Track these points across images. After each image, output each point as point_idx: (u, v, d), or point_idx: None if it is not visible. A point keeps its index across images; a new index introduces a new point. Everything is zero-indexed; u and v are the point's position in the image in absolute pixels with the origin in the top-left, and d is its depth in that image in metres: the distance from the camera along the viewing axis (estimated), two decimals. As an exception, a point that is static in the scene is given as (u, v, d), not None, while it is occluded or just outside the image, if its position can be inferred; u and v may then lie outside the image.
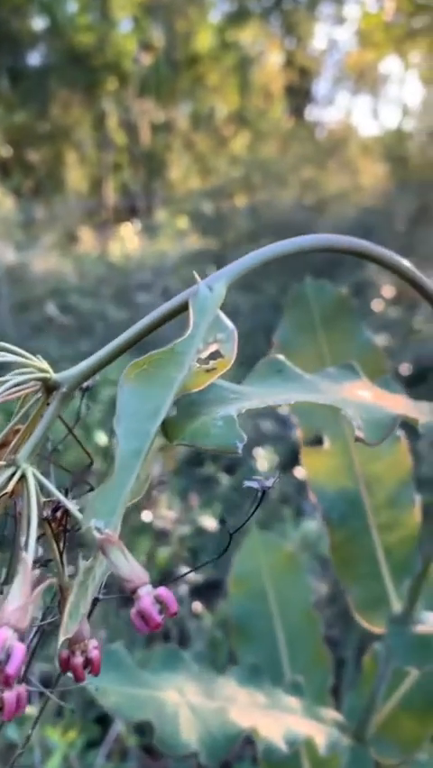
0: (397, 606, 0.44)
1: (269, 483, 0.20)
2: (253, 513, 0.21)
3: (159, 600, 0.19)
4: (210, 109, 6.80)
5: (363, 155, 5.68)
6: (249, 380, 0.26)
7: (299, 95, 7.60)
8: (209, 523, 1.34)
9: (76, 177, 6.20)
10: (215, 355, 0.23)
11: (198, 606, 1.19)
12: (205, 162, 6.37)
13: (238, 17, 6.63)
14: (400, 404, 0.30)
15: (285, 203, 4.98)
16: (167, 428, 0.21)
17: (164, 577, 1.28)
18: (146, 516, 1.08)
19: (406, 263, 0.28)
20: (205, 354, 0.22)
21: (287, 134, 6.28)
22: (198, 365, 0.22)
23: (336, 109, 7.72)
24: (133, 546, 1.12)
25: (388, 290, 2.93)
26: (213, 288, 0.23)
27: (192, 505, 1.22)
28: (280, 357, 0.27)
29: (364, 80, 7.27)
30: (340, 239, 0.26)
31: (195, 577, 1.23)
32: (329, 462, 0.45)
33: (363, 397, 0.28)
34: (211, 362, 0.23)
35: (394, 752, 0.49)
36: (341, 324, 0.48)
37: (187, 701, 0.39)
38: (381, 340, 2.82)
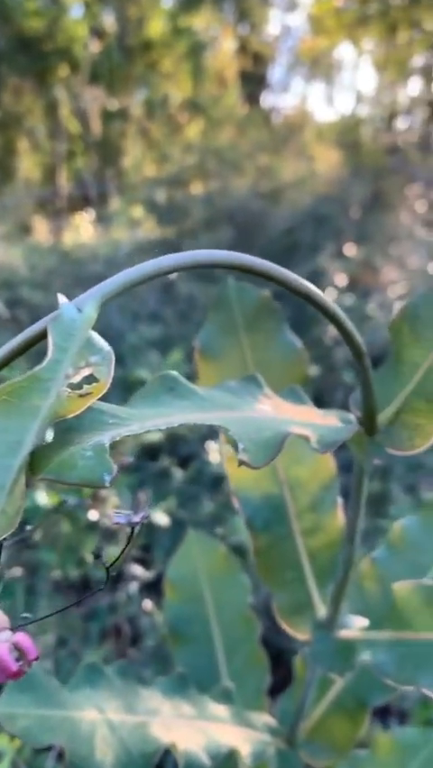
0: (322, 611, 0.44)
1: (137, 519, 0.19)
2: (127, 548, 0.20)
3: (17, 647, 0.18)
4: (164, 96, 6.73)
5: (319, 141, 5.69)
6: (138, 399, 0.25)
7: (253, 81, 7.57)
8: (161, 518, 1.33)
9: (28, 165, 6.09)
10: (90, 379, 0.22)
11: (148, 604, 1.18)
12: (159, 150, 6.31)
13: (190, 3, 6.57)
14: (304, 415, 0.30)
15: (241, 190, 4.96)
16: (32, 460, 0.20)
17: (115, 577, 1.27)
18: (93, 515, 1.07)
19: (281, 270, 0.28)
20: (77, 378, 0.21)
21: (242, 121, 6.26)
22: (69, 390, 0.21)
23: (292, 95, 7.71)
24: (80, 546, 1.11)
25: (341, 278, 2.94)
26: (82, 309, 0.21)
27: (141, 501, 1.20)
28: (173, 374, 0.26)
29: (318, 66, 7.28)
30: (199, 255, 0.25)
31: (146, 574, 1.22)
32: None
33: (262, 411, 0.27)
34: (86, 387, 0.21)
35: (325, 754, 0.49)
36: (264, 326, 0.47)
37: (105, 719, 0.38)
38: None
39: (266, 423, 0.25)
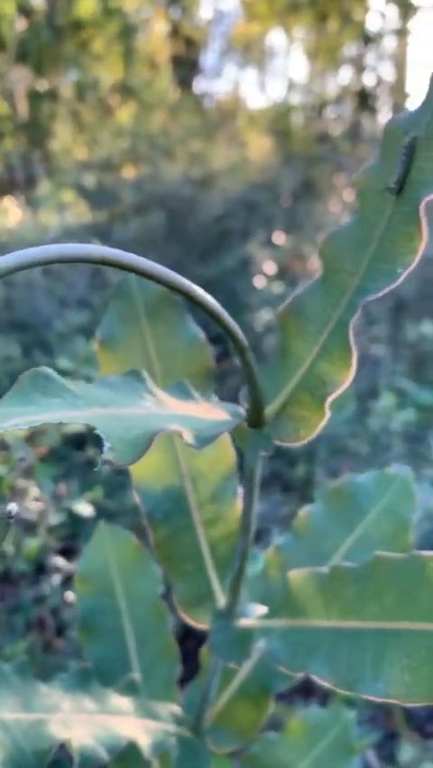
0: (222, 601, 0.44)
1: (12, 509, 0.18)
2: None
3: None
4: (95, 78, 6.61)
5: (251, 128, 5.70)
6: (8, 397, 0.25)
7: (185, 66, 7.51)
8: (85, 509, 1.32)
9: None
10: None
11: (70, 595, 1.17)
12: (90, 133, 6.20)
13: (121, -18, 6.44)
14: (187, 410, 0.30)
15: (172, 176, 4.93)
16: None
17: (38, 568, 1.25)
18: (12, 507, 1.05)
19: (161, 269, 0.27)
20: None
21: (174, 106, 6.20)
22: None
23: (224, 81, 7.68)
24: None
25: (270, 267, 2.96)
26: None
27: (62, 493, 1.19)
28: (46, 370, 0.26)
29: (251, 53, 7.27)
30: (66, 249, 0.24)
31: (68, 566, 1.21)
32: (153, 459, 0.44)
33: (142, 408, 0.27)
34: None
35: (230, 740, 0.50)
36: (166, 316, 0.46)
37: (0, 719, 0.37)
38: (265, 315, 2.86)
39: (138, 420, 0.25)
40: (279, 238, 3.27)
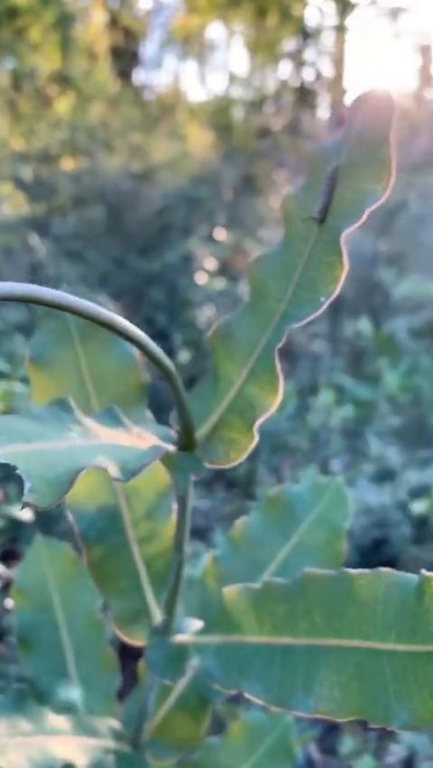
0: (158, 617, 0.44)
1: None
2: None
3: None
4: (32, 68, 6.47)
5: (191, 121, 5.68)
6: None
7: (124, 57, 7.42)
8: (25, 514, 1.30)
9: None
10: None
11: (10, 602, 1.16)
12: (27, 124, 6.07)
13: (58, -30, 6.32)
14: (116, 438, 0.30)
15: (112, 169, 4.87)
16: None
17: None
18: None
19: (77, 301, 0.27)
20: None
21: (113, 98, 6.13)
22: None
23: (164, 73, 7.63)
24: None
25: (211, 262, 2.96)
26: None
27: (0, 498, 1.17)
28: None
29: (191, 45, 7.24)
30: None
31: (8, 572, 1.19)
32: (86, 478, 0.44)
33: (68, 440, 0.27)
34: None
35: (169, 752, 0.50)
36: (98, 334, 0.46)
37: None
38: (208, 312, 2.86)
39: (62, 456, 0.25)
40: (220, 233, 3.27)
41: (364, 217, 0.28)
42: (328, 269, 0.29)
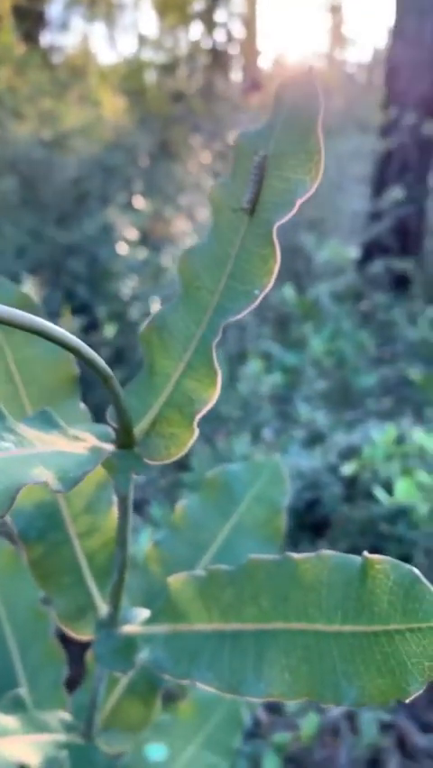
0: (104, 610, 0.44)
1: None
2: None
3: None
4: None
5: (103, 86, 5.53)
6: None
7: (29, 18, 7.12)
8: None
9: None
10: None
11: None
12: None
13: None
14: (52, 444, 0.29)
15: (22, 137, 4.70)
16: None
17: None
18: None
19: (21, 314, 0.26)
20: None
21: (20, 61, 5.88)
22: None
23: (72, 35, 7.36)
24: None
25: (132, 232, 2.92)
26: None
27: None
28: None
29: (98, 6, 7.01)
30: None
31: None
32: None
33: (3, 452, 0.26)
34: None
35: (121, 739, 0.51)
36: (24, 325, 0.44)
37: None
38: (131, 283, 2.82)
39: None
40: (139, 202, 3.22)
41: (296, 208, 0.27)
42: (261, 261, 0.29)
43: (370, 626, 0.31)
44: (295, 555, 0.34)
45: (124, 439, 0.32)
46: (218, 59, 5.91)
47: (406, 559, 1.57)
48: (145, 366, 0.34)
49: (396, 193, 2.77)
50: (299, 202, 0.28)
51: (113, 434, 0.33)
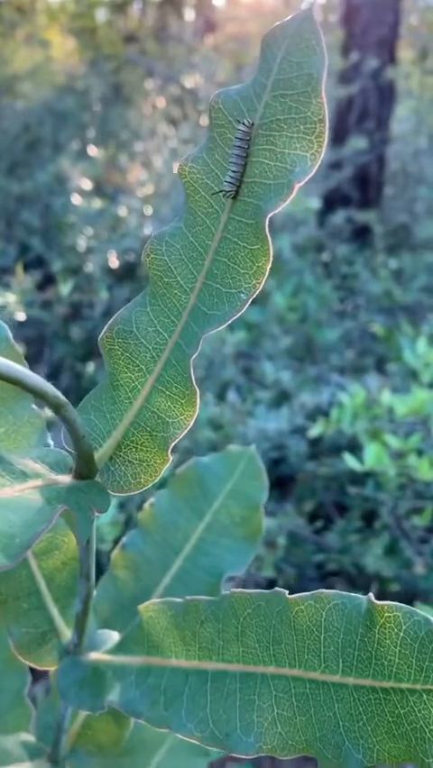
0: (67, 635, 0.39)
1: None
2: None
3: None
4: None
5: (52, 26, 5.24)
6: None
7: None
8: None
9: None
10: None
11: None
12: None
13: None
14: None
15: (-33, 81, 4.46)
16: None
17: None
18: None
19: None
20: None
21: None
22: None
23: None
24: None
25: (85, 182, 2.79)
26: None
27: None
28: None
29: None
30: None
31: None
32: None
33: None
34: None
35: (92, 761, 0.47)
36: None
37: None
38: (86, 235, 2.71)
39: None
40: (93, 150, 3.07)
41: (294, 193, 0.22)
42: (249, 258, 0.23)
43: (378, 681, 0.26)
44: (287, 594, 0.29)
45: (84, 468, 0.27)
46: (171, -4, 5.64)
47: (371, 516, 1.55)
48: (107, 375, 0.28)
49: (358, 142, 2.70)
50: (297, 185, 0.22)
51: (70, 461, 0.28)
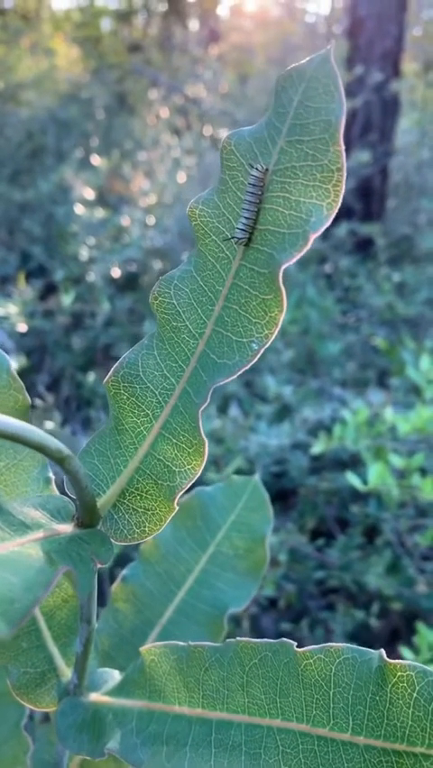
0: (67, 675, 0.38)
1: None
2: None
3: None
4: None
5: (57, 34, 5.26)
6: None
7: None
8: None
9: None
10: None
11: None
12: None
13: None
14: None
15: (-28, 88, 4.47)
16: None
17: None
18: None
19: None
20: None
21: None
22: None
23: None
24: None
25: (89, 191, 2.79)
26: None
27: None
28: None
29: None
30: None
31: None
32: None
33: None
34: None
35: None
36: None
37: None
38: (89, 244, 2.71)
39: None
40: (96, 159, 3.08)
41: (309, 244, 0.21)
42: (261, 307, 0.23)
43: (390, 742, 0.25)
44: (295, 646, 0.29)
45: (86, 517, 0.26)
46: (175, 5, 5.66)
47: (373, 532, 1.54)
48: (112, 419, 0.27)
49: (361, 155, 2.70)
50: (312, 236, 0.21)
51: (72, 508, 0.27)
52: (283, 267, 0.22)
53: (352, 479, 1.10)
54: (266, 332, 0.23)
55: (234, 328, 0.24)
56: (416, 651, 1.10)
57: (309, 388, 1.98)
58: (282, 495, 1.79)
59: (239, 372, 0.23)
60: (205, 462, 0.25)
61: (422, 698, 0.25)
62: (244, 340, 0.23)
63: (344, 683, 0.27)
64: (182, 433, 0.25)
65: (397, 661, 0.26)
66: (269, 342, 0.23)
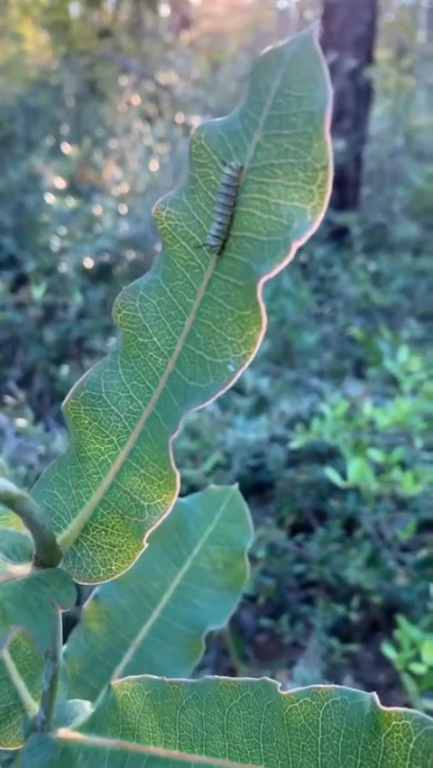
0: (35, 709, 0.36)
1: None
2: None
3: None
4: None
5: (25, 19, 5.15)
6: None
7: None
8: None
9: None
10: None
11: None
12: None
13: None
14: None
15: None
16: None
17: None
18: None
19: None
20: None
21: None
22: None
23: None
24: None
25: (59, 181, 2.73)
26: None
27: None
28: None
29: None
30: None
31: None
32: None
33: None
34: None
35: None
36: None
37: None
38: (60, 234, 2.65)
39: None
40: (66, 147, 3.01)
41: (291, 254, 0.18)
42: (238, 324, 0.20)
43: (385, 797, 0.23)
44: (279, 687, 0.26)
45: (45, 556, 0.23)
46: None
47: (351, 524, 1.53)
48: (73, 446, 0.24)
49: (336, 144, 2.67)
50: (296, 244, 0.18)
51: (30, 545, 0.24)
52: (263, 280, 0.19)
53: (331, 474, 1.09)
54: (243, 351, 0.20)
55: (208, 347, 0.21)
56: (397, 646, 1.09)
57: (286, 380, 1.96)
58: (259, 488, 1.77)
59: (214, 397, 0.21)
60: (176, 496, 0.23)
61: (420, 749, 0.23)
62: (219, 360, 0.20)
63: (333, 729, 0.25)
64: (151, 462, 0.23)
65: (392, 708, 0.23)
66: (247, 364, 0.20)
